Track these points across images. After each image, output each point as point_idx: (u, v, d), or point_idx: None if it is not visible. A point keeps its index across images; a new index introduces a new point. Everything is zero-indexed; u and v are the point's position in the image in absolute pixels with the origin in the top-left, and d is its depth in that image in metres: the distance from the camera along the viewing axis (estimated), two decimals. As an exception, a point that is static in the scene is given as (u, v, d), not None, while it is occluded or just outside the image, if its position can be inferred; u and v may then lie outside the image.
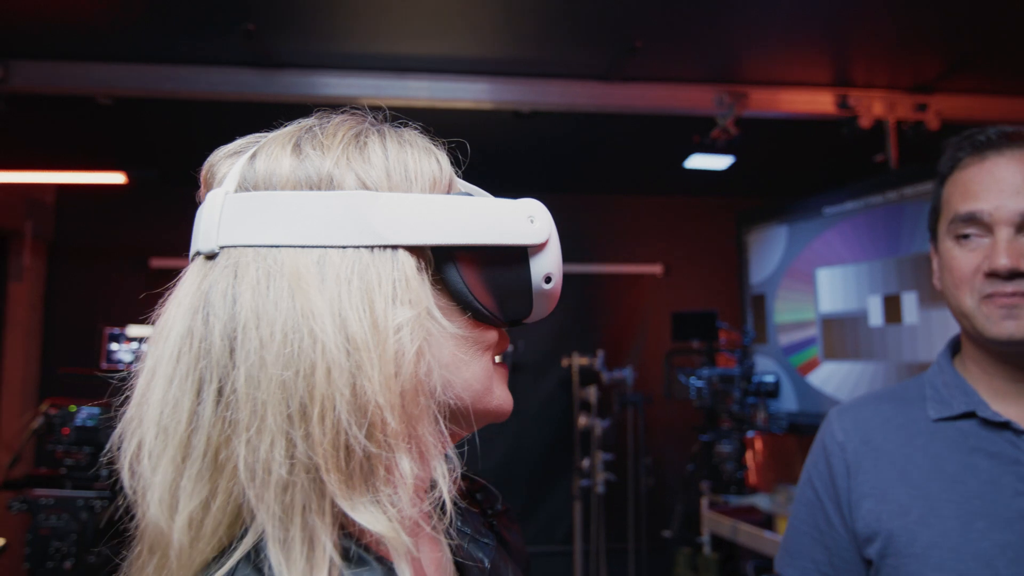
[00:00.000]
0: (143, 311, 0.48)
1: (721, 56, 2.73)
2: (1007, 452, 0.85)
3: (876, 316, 2.96)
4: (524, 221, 0.50)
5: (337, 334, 0.42)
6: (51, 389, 3.62)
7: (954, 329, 0.98)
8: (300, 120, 0.50)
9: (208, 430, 0.42)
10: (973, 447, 0.87)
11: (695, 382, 3.39)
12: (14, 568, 2.55)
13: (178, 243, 0.57)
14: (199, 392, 0.42)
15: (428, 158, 0.50)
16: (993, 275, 0.84)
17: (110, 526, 0.47)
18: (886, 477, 0.91)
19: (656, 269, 4.46)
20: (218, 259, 0.45)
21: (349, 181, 0.46)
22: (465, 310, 0.49)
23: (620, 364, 4.14)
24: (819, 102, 2.95)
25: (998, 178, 0.85)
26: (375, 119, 0.52)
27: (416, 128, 0.53)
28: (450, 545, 0.56)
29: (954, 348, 0.99)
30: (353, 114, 0.51)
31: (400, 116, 0.53)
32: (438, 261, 0.48)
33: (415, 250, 0.47)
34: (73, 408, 2.08)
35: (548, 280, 0.52)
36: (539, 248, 0.51)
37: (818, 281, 3.31)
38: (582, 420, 3.84)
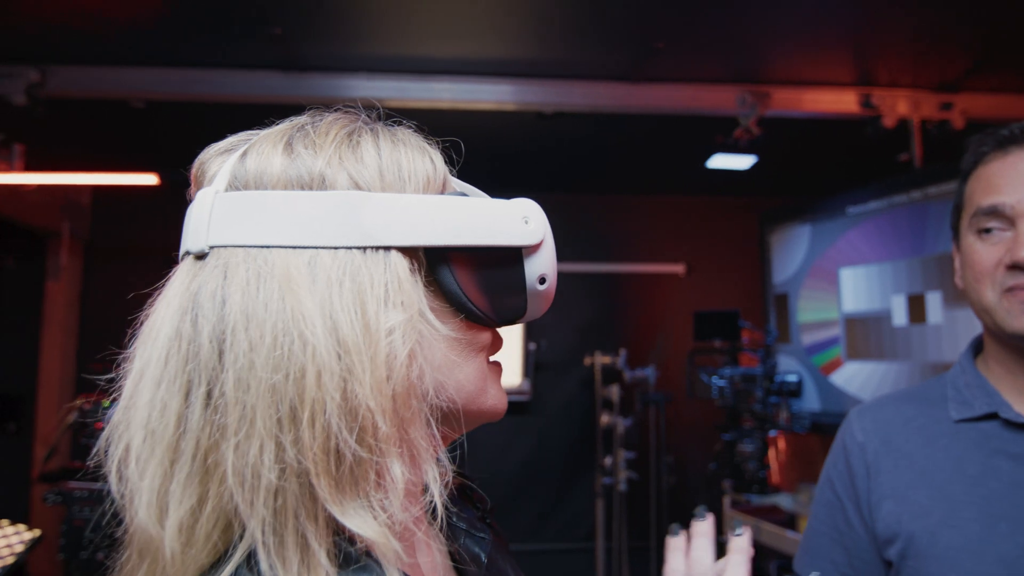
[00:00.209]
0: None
1: (743, 56, 2.72)
2: None
3: (900, 316, 2.93)
4: (519, 221, 0.48)
5: (328, 337, 0.41)
6: (86, 386, 3.72)
7: (980, 329, 0.96)
8: (293, 118, 0.49)
9: (197, 434, 0.41)
10: (995, 448, 0.85)
11: (717, 381, 3.37)
12: (49, 558, 2.63)
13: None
14: (187, 395, 0.41)
15: (422, 157, 0.49)
16: (1015, 268, 0.82)
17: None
18: (907, 478, 0.89)
19: (679, 269, 4.44)
20: (208, 259, 0.44)
21: (341, 181, 0.45)
22: (459, 312, 0.48)
23: (642, 363, 4.13)
24: (842, 101, 2.92)
25: (1021, 171, 0.84)
26: (369, 118, 0.51)
27: (410, 127, 0.52)
28: (446, 546, 0.56)
29: (976, 348, 0.97)
30: (346, 112, 0.50)
31: (394, 115, 0.53)
32: (431, 262, 0.47)
33: (408, 251, 0.46)
34: (106, 403, 2.13)
35: (543, 281, 0.51)
36: (534, 249, 0.50)
37: (841, 280, 3.28)
38: (604, 418, 3.84)
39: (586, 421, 4.20)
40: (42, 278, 3.83)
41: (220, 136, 0.51)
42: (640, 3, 2.28)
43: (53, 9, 2.32)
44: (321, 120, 0.48)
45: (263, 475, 0.39)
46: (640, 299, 4.46)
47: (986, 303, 0.86)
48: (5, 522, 2.62)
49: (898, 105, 2.91)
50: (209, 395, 0.41)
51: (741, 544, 0.56)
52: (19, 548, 2.63)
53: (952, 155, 1.00)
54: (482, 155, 3.75)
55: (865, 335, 3.12)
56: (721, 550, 0.57)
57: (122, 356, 0.45)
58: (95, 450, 0.44)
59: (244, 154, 0.46)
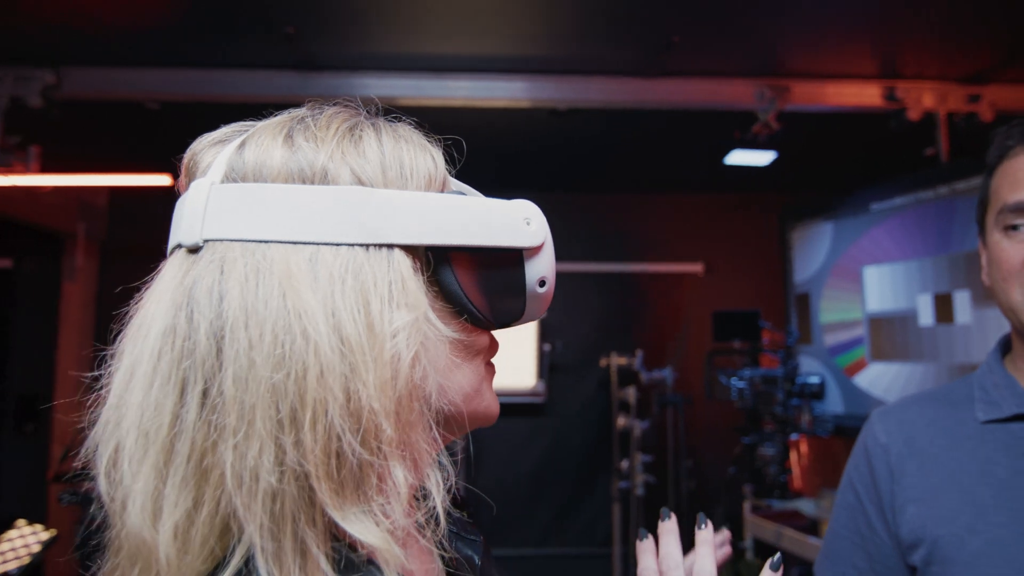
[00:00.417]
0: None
1: (761, 49, 2.67)
2: None
3: (927, 315, 2.86)
4: (520, 223, 0.48)
5: (331, 335, 0.40)
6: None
7: (1009, 329, 0.93)
8: (291, 110, 0.48)
9: (192, 434, 0.39)
10: None
11: (737, 383, 3.32)
12: (65, 558, 2.65)
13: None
14: (182, 394, 0.40)
15: (424, 155, 0.48)
16: None
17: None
18: (932, 481, 0.87)
19: (697, 268, 4.39)
20: (202, 253, 0.42)
21: (344, 176, 0.44)
22: (460, 313, 0.48)
23: (660, 364, 4.09)
24: (865, 94, 2.86)
25: None
26: (368, 112, 0.50)
27: (411, 123, 0.51)
28: (441, 553, 0.54)
29: (1005, 347, 0.94)
30: (346, 106, 0.49)
31: (394, 111, 0.52)
32: (433, 262, 0.46)
33: (410, 250, 0.45)
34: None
35: (542, 283, 0.50)
36: (535, 251, 0.49)
37: (865, 279, 3.21)
38: (621, 421, 3.80)
39: (602, 423, 4.17)
40: (58, 279, 3.88)
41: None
42: (655, -5, 2.24)
43: (68, 12, 2.34)
44: (321, 113, 0.47)
45: (262, 477, 0.38)
46: (657, 299, 4.41)
47: (1013, 302, 0.84)
48: (22, 522, 2.65)
49: (924, 98, 2.84)
50: (206, 394, 0.39)
51: (706, 536, 0.60)
52: (35, 548, 2.65)
53: (980, 149, 0.96)
54: (495, 154, 3.73)
55: (890, 336, 3.05)
56: (740, 557, 0.56)
57: (108, 352, 0.43)
58: (82, 450, 0.42)
59: (242, 145, 0.45)
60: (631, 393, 3.83)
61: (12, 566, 2.44)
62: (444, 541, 0.53)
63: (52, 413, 3.74)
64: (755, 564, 2.99)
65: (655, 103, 2.87)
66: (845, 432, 3.19)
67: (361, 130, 0.46)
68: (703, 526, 0.61)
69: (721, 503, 3.46)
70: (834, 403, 3.35)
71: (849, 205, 3.32)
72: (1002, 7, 2.29)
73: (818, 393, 3.27)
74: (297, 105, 0.49)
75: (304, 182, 0.43)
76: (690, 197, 4.45)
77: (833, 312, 3.41)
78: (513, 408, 4.22)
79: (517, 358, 4.12)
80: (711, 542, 0.59)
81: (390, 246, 0.43)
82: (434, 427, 0.45)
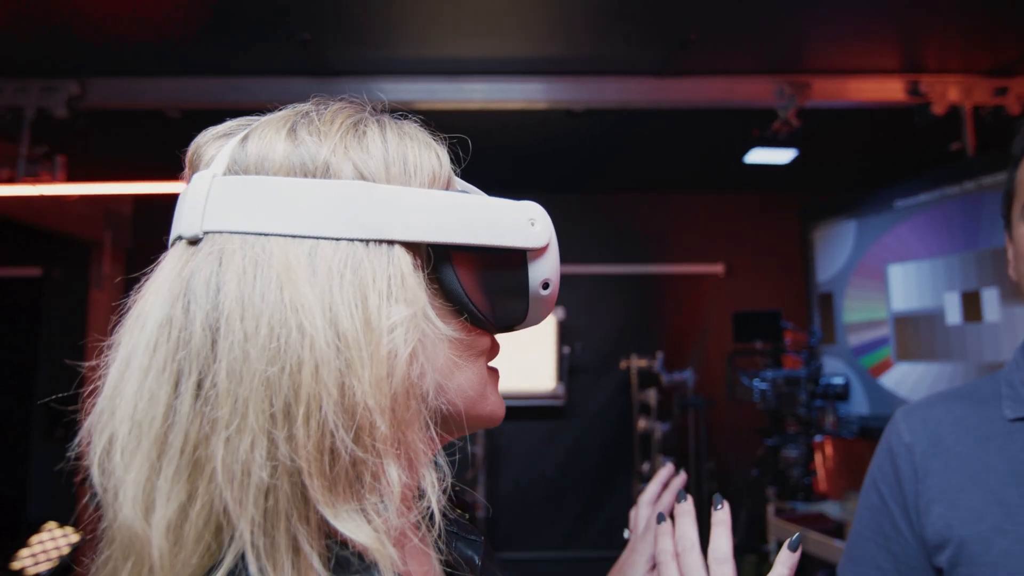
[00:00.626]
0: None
1: (780, 45, 2.64)
2: None
3: (954, 314, 2.80)
4: (525, 223, 0.47)
5: (327, 330, 0.39)
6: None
7: None
8: (295, 105, 0.48)
9: (186, 427, 0.39)
10: None
11: (759, 384, 3.28)
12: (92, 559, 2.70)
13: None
14: (177, 385, 0.39)
15: (428, 152, 0.48)
16: None
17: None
18: (958, 481, 0.85)
19: (718, 269, 4.35)
20: (201, 245, 0.42)
21: (346, 170, 0.43)
22: (460, 312, 0.47)
23: (680, 366, 4.05)
24: (888, 89, 2.81)
25: None
26: (374, 109, 0.50)
27: (416, 121, 0.50)
28: (440, 553, 0.54)
29: None
30: (351, 102, 0.49)
31: (400, 111, 0.51)
32: (435, 260, 0.46)
33: (411, 247, 0.44)
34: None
35: (546, 286, 0.49)
36: (539, 252, 0.49)
37: (890, 278, 3.15)
38: (641, 423, 3.77)
39: (622, 426, 4.14)
40: (86, 287, 3.95)
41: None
42: (670, -7, 2.23)
43: (91, 24, 2.39)
44: (326, 108, 0.47)
45: (253, 472, 0.38)
46: (678, 300, 4.38)
47: None
48: (52, 524, 2.70)
49: (948, 91, 2.78)
50: (200, 386, 0.39)
51: (721, 516, 0.60)
52: (65, 550, 2.70)
53: (1007, 143, 0.94)
54: (512, 156, 3.73)
55: (916, 335, 2.99)
56: (763, 560, 0.55)
57: (106, 343, 0.43)
58: (75, 440, 0.42)
59: (245, 138, 0.44)
60: (651, 395, 3.81)
61: (44, 567, 2.49)
62: (442, 541, 0.53)
63: (81, 418, 3.82)
64: (780, 568, 2.95)
65: (672, 102, 2.85)
66: (870, 434, 3.14)
67: (365, 126, 0.46)
68: (719, 507, 0.60)
69: (744, 505, 3.42)
70: (859, 404, 3.29)
71: (872, 202, 3.27)
72: (1028, -3, 2.25)
73: (842, 394, 3.22)
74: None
75: (306, 176, 0.43)
76: (710, 197, 4.41)
77: (857, 312, 3.36)
78: (533, 411, 4.21)
79: (536, 361, 4.11)
80: (727, 523, 0.59)
81: (391, 242, 0.43)
82: (432, 426, 0.44)
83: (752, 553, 3.18)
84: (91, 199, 3.69)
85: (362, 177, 0.44)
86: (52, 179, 2.90)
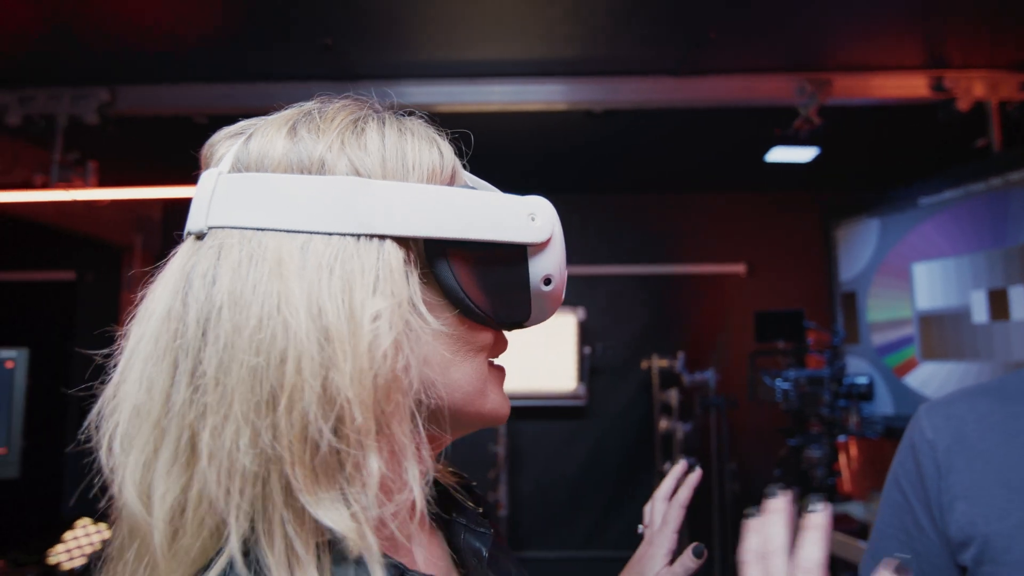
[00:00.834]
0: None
1: (801, 42, 2.62)
2: None
3: (980, 312, 2.76)
4: (524, 218, 0.47)
5: (310, 323, 0.40)
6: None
7: None
8: (302, 103, 0.49)
9: (181, 414, 0.40)
10: None
11: (781, 384, 3.26)
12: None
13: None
14: (174, 373, 0.41)
15: (429, 148, 0.48)
16: None
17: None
18: (982, 478, 0.84)
19: (739, 268, 4.32)
20: (205, 239, 0.43)
21: (341, 167, 0.44)
22: (455, 307, 0.47)
23: (702, 366, 4.03)
24: (911, 86, 2.78)
25: None
26: (380, 106, 0.50)
27: (422, 117, 0.51)
28: (448, 538, 0.55)
29: None
30: (356, 99, 0.50)
31: (411, 108, 0.52)
32: (430, 255, 0.46)
33: (404, 242, 0.44)
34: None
35: (548, 282, 0.49)
36: (539, 248, 0.48)
37: (914, 276, 3.11)
38: (663, 423, 3.76)
39: (644, 426, 4.13)
40: (118, 289, 4.04)
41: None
42: (688, -7, 2.23)
43: (121, 33, 2.45)
44: (329, 106, 0.48)
45: (239, 460, 0.39)
46: (699, 300, 4.36)
47: None
48: (87, 520, 2.76)
49: (974, 87, 2.74)
50: (194, 374, 0.40)
51: (817, 521, 0.53)
52: (98, 547, 2.77)
53: None
54: (532, 158, 3.74)
55: (942, 334, 2.95)
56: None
57: (119, 333, 0.45)
58: (86, 424, 0.43)
59: (249, 137, 0.46)
60: (673, 395, 3.79)
61: (78, 563, 2.55)
62: (447, 530, 0.55)
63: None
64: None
65: (692, 101, 2.84)
66: (895, 434, 3.10)
67: (364, 123, 0.46)
68: (818, 509, 0.54)
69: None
70: (883, 404, 3.25)
71: (896, 200, 3.23)
72: (1054, -10, 2.21)
73: (866, 394, 3.19)
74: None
75: (303, 172, 0.44)
76: (731, 196, 4.38)
77: (881, 310, 3.32)
78: (554, 411, 4.22)
79: (557, 361, 4.12)
80: (824, 529, 0.53)
81: (381, 237, 0.43)
82: (420, 421, 0.44)
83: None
84: (122, 204, 3.77)
85: (357, 173, 0.44)
86: (84, 184, 2.97)
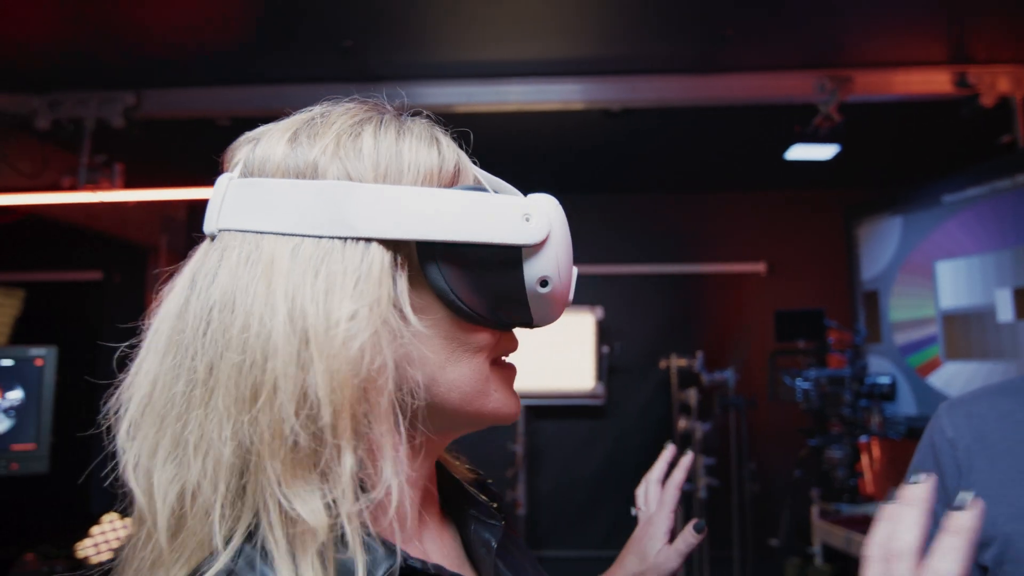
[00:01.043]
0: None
1: (820, 38, 2.60)
2: None
3: (1006, 311, 2.71)
4: (518, 219, 0.46)
5: (289, 324, 0.41)
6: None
7: None
8: (309, 108, 0.50)
9: (180, 406, 0.42)
10: None
11: (801, 384, 3.23)
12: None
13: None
14: (175, 367, 0.43)
15: (427, 149, 0.48)
16: None
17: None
18: (1003, 477, 0.83)
19: (759, 268, 4.28)
20: (215, 241, 0.46)
21: (332, 171, 0.45)
22: (448, 308, 0.47)
23: (721, 366, 4.01)
24: (934, 82, 2.74)
25: None
26: (389, 107, 0.51)
27: (429, 117, 0.51)
28: (461, 532, 0.56)
29: None
30: (363, 102, 0.50)
31: (417, 106, 0.52)
32: (422, 257, 0.46)
33: (391, 244, 0.45)
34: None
35: (544, 284, 0.47)
36: (534, 249, 0.46)
37: (938, 275, 3.07)
38: (682, 423, 3.75)
39: (662, 426, 4.12)
40: (144, 289, 4.11)
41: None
42: (706, -10, 2.22)
43: (146, 39, 2.50)
44: (334, 110, 0.49)
45: (220, 451, 0.41)
46: (719, 300, 4.33)
47: None
48: (114, 515, 2.82)
49: (998, 82, 2.70)
50: (189, 369, 0.43)
51: (962, 523, 0.44)
52: (125, 541, 2.83)
53: None
54: (550, 158, 3.75)
55: (966, 333, 2.91)
56: (808, 562, 0.49)
57: (144, 328, 0.47)
58: (103, 412, 0.46)
59: (257, 142, 0.48)
60: (692, 395, 3.77)
61: (105, 557, 2.60)
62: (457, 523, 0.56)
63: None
64: (824, 570, 2.89)
65: (711, 100, 2.83)
66: (918, 434, 3.03)
67: (362, 126, 0.47)
68: (965, 505, 0.45)
69: (787, 507, 3.37)
70: (906, 404, 3.21)
71: (919, 198, 3.19)
72: (1082, -17, 2.17)
73: (888, 394, 3.15)
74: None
75: (299, 177, 0.45)
76: (751, 195, 4.35)
77: (904, 310, 3.28)
78: (573, 410, 4.22)
79: (576, 360, 4.12)
80: (968, 531, 0.43)
81: (367, 240, 0.44)
82: (400, 420, 0.44)
83: (796, 555, 3.13)
84: (147, 205, 3.85)
85: (348, 177, 0.45)
86: (111, 186, 3.03)
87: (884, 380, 3.17)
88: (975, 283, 2.88)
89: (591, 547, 4.11)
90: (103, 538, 2.73)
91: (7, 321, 3.75)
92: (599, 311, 4.16)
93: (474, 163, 0.52)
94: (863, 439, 3.20)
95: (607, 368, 4.14)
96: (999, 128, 2.86)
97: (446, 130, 0.51)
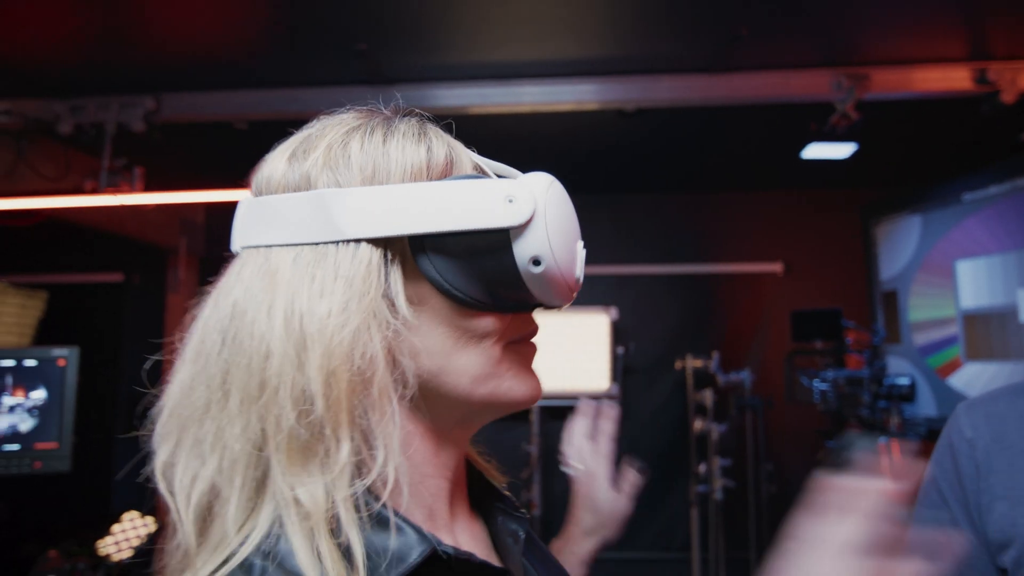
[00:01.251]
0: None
1: (836, 36, 2.57)
2: None
3: (1028, 311, 2.68)
4: (500, 202, 0.46)
5: (284, 325, 0.45)
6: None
7: None
8: (312, 123, 0.53)
9: (201, 410, 0.46)
10: None
11: (819, 384, 3.20)
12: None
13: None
14: (198, 375, 0.47)
15: (414, 146, 0.49)
16: None
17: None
18: (1022, 477, 0.82)
19: (776, 267, 4.25)
20: (237, 259, 0.50)
21: (323, 180, 0.48)
22: (446, 297, 0.48)
23: (737, 366, 3.98)
24: (953, 78, 2.70)
25: None
26: (385, 111, 0.53)
27: (421, 115, 0.53)
28: (487, 521, 0.58)
29: None
30: (358, 111, 0.53)
31: (415, 107, 0.54)
32: (413, 250, 0.48)
33: (382, 242, 0.47)
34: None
35: (537, 263, 0.47)
36: (520, 229, 0.47)
37: (958, 274, 3.03)
38: (697, 424, 3.73)
39: (678, 427, 4.09)
40: (163, 290, 4.17)
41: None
42: (720, -11, 2.21)
43: (165, 43, 2.54)
44: (328, 122, 0.52)
45: (235, 448, 0.44)
46: (735, 300, 4.30)
47: None
48: (135, 513, 2.86)
49: (1019, 78, 2.66)
50: (209, 376, 0.46)
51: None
52: (145, 539, 2.86)
53: None
54: (565, 158, 3.75)
55: (987, 333, 2.87)
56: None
57: (180, 339, 0.51)
58: (147, 419, 0.49)
59: (265, 163, 0.52)
60: (708, 396, 3.75)
61: (125, 555, 2.64)
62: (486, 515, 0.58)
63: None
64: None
65: (725, 99, 2.81)
66: (938, 436, 3.03)
67: (351, 135, 0.49)
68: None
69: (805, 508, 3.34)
70: (926, 405, 3.18)
71: (938, 196, 3.15)
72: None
73: (908, 395, 3.12)
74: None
75: (296, 191, 0.48)
76: (767, 194, 4.31)
77: (923, 310, 3.24)
78: (587, 411, 4.20)
79: (590, 361, 4.11)
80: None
81: (357, 241, 0.46)
82: (398, 411, 0.46)
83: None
84: (167, 208, 3.90)
85: (337, 184, 0.48)
86: (131, 189, 3.07)
87: (903, 381, 3.13)
88: (996, 282, 2.84)
89: (607, 549, 4.10)
90: (124, 536, 2.77)
91: (31, 323, 3.81)
92: (614, 312, 4.15)
93: (474, 152, 0.54)
94: (882, 440, 3.17)
95: (622, 369, 4.13)
96: (1020, 125, 2.82)
97: (438, 124, 0.53)
